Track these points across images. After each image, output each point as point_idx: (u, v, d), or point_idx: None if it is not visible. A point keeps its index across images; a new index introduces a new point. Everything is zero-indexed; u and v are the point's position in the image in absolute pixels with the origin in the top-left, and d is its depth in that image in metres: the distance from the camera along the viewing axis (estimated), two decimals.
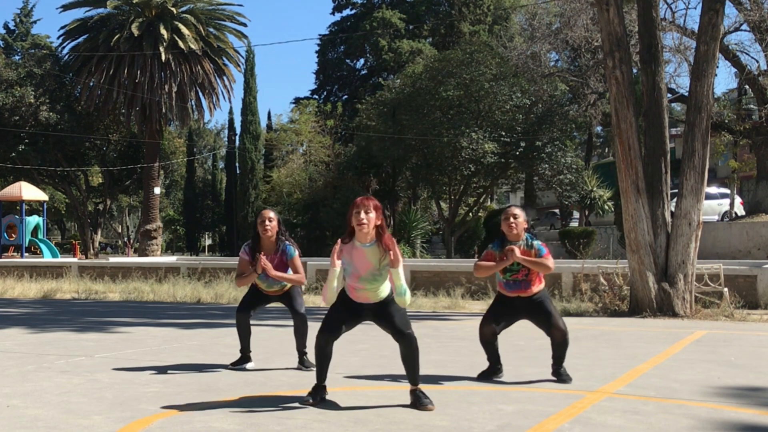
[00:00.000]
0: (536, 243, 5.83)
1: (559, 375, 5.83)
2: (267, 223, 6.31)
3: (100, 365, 6.60)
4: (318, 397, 4.97)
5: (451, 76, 26.83)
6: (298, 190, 34.81)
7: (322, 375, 5.02)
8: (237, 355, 6.72)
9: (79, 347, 7.79)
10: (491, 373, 5.94)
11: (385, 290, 4.95)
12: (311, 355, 6.64)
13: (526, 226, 5.85)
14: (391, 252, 4.78)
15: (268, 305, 7.03)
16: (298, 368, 6.43)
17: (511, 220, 5.81)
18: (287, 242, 6.41)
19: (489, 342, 5.91)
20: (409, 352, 4.87)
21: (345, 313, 5.00)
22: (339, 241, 4.94)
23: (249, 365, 6.53)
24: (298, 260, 6.41)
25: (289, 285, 6.46)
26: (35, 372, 6.25)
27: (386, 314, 4.93)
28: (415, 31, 47.51)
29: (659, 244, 11.04)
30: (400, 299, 4.85)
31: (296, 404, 4.96)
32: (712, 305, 11.41)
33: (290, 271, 6.40)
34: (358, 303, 4.98)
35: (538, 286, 5.84)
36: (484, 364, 6.16)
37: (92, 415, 4.65)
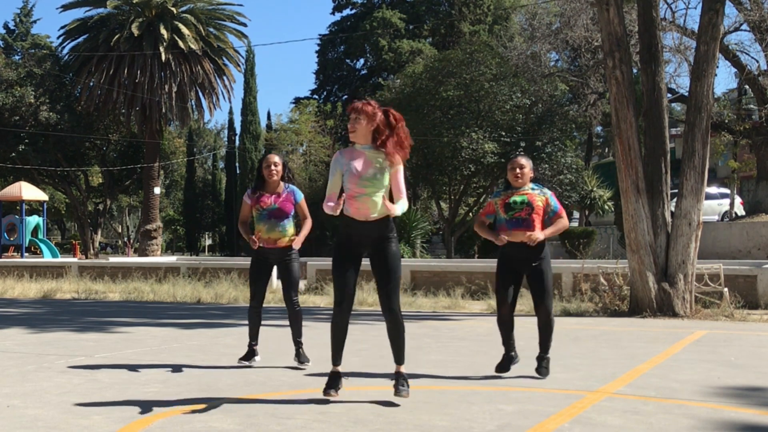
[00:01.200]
0: (547, 193, 5.88)
1: (540, 363, 5.88)
2: (272, 167, 6.33)
3: (100, 365, 6.60)
4: (337, 387, 5.02)
5: (451, 76, 26.83)
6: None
7: (337, 356, 5.06)
8: (237, 355, 6.73)
9: (79, 347, 7.79)
10: (506, 363, 5.96)
11: (381, 206, 4.90)
12: (307, 348, 6.66)
13: (532, 175, 5.90)
14: (388, 149, 4.88)
15: (270, 296, 7.04)
16: (294, 361, 6.44)
17: (517, 170, 5.86)
18: (293, 187, 6.46)
19: (506, 323, 5.93)
20: (394, 328, 4.99)
21: (347, 258, 4.99)
22: (337, 152, 5.11)
23: (257, 359, 6.54)
24: (304, 203, 6.48)
25: (287, 239, 6.42)
26: (35, 372, 6.25)
27: (383, 253, 4.95)
28: (415, 31, 47.53)
29: (659, 244, 11.04)
30: (392, 207, 4.84)
31: (296, 404, 4.96)
32: (712, 305, 11.41)
33: (290, 226, 6.44)
34: (358, 227, 4.91)
35: (539, 224, 5.80)
36: (484, 364, 6.17)
37: (92, 415, 4.65)
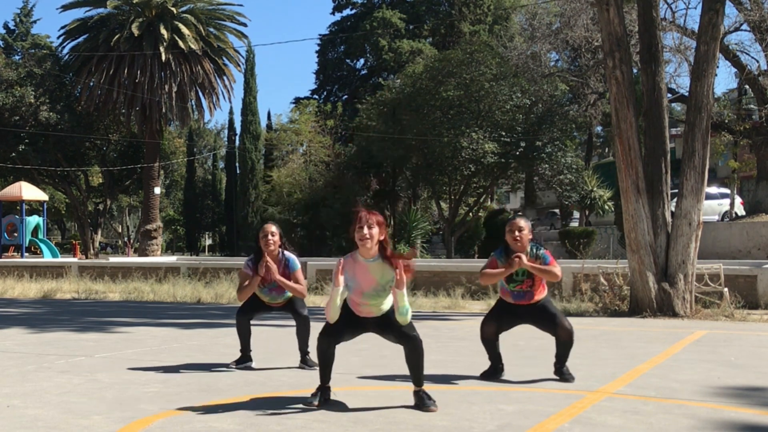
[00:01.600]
0: (541, 252, 5.82)
1: (562, 374, 5.84)
2: (270, 237, 6.34)
3: (100, 365, 6.60)
4: (322, 399, 4.96)
5: (451, 76, 26.82)
6: (298, 190, 34.78)
7: (325, 377, 5.01)
8: (237, 355, 6.71)
9: (79, 347, 7.79)
10: (492, 373, 5.95)
11: (387, 304, 4.95)
12: (313, 355, 6.65)
13: (530, 237, 5.84)
14: (398, 272, 4.74)
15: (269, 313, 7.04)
16: (300, 367, 6.44)
17: (516, 233, 5.78)
18: (290, 254, 6.44)
19: (490, 341, 5.92)
20: (414, 354, 4.85)
21: (347, 324, 4.99)
22: (341, 260, 4.93)
23: (252, 364, 6.55)
24: (301, 273, 6.44)
25: (290, 296, 6.48)
26: (35, 372, 6.24)
27: (390, 324, 4.93)
28: (415, 31, 47.52)
29: (659, 244, 11.04)
30: (402, 318, 4.83)
31: (296, 404, 4.96)
32: (712, 305, 11.41)
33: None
34: (362, 317, 4.98)
35: (542, 294, 5.86)
36: (484, 364, 6.16)
37: (92, 415, 4.65)
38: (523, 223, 5.84)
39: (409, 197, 33.01)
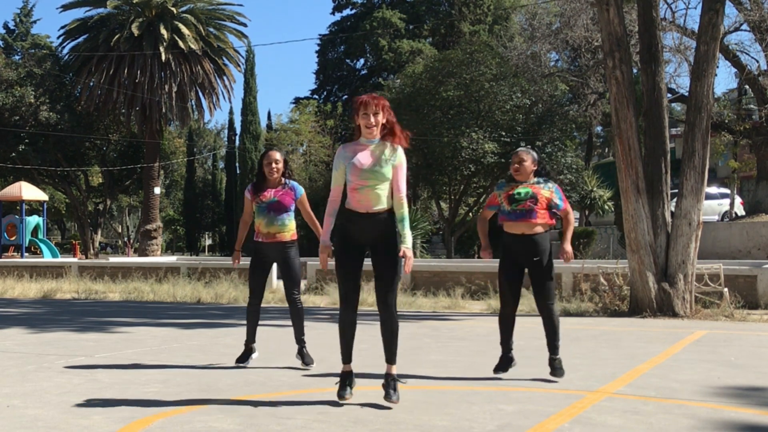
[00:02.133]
0: (552, 187, 5.87)
1: (553, 366, 5.83)
2: (273, 165, 6.32)
3: (100, 365, 6.60)
4: (351, 387, 4.98)
5: (451, 76, 26.82)
6: None
7: (347, 355, 5.02)
8: (237, 355, 6.71)
9: (79, 347, 7.79)
10: (504, 365, 5.94)
11: (384, 200, 4.89)
12: (310, 347, 6.65)
13: (534, 167, 5.87)
14: (401, 147, 4.86)
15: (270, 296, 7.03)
16: (297, 360, 6.41)
17: (516, 164, 5.87)
18: (294, 183, 6.44)
19: (508, 320, 5.93)
20: (389, 324, 4.92)
21: (349, 254, 4.96)
22: (340, 146, 5.04)
23: (255, 355, 6.53)
24: (305, 199, 6.45)
25: (286, 233, 6.39)
26: (35, 372, 6.24)
27: (384, 249, 4.91)
28: (415, 31, 47.52)
29: (659, 244, 11.04)
30: (401, 220, 4.87)
31: (296, 404, 4.96)
32: (712, 305, 11.41)
33: (290, 221, 6.43)
34: (358, 221, 4.90)
35: (543, 218, 5.78)
36: (484, 364, 6.17)
37: (92, 415, 4.65)
38: (525, 155, 5.89)
39: (409, 197, 33.03)
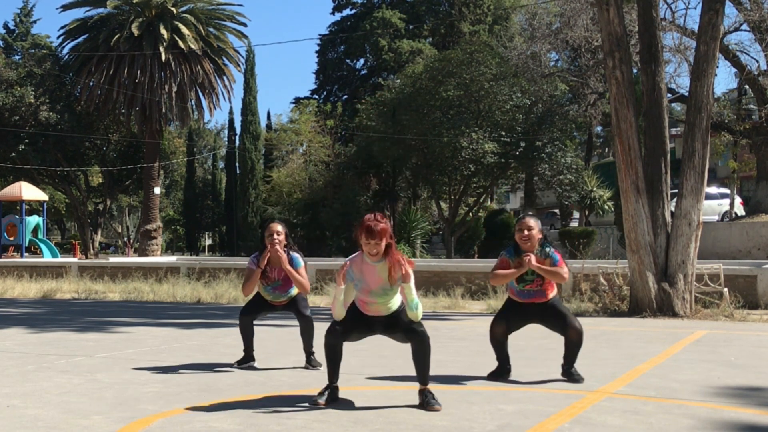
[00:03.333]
0: (550, 251, 5.82)
1: (570, 375, 5.81)
2: (275, 236, 6.36)
3: (100, 365, 6.60)
4: (330, 398, 4.97)
5: (451, 76, 26.82)
6: (298, 190, 34.80)
7: (334, 375, 5.02)
8: (237, 355, 6.72)
9: (79, 347, 7.79)
10: (500, 374, 5.93)
11: (396, 303, 4.98)
12: (318, 355, 6.65)
13: (540, 236, 5.81)
14: (403, 268, 4.81)
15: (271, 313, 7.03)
16: (305, 367, 6.45)
17: (525, 232, 5.77)
18: (294, 252, 6.46)
19: (500, 342, 5.91)
20: (421, 349, 4.88)
21: (355, 322, 5.02)
22: (347, 260, 4.98)
23: (255, 364, 6.55)
24: (304, 270, 6.46)
25: (294, 293, 6.48)
26: (35, 372, 6.24)
27: (398, 322, 4.97)
28: (415, 31, 47.51)
29: (659, 244, 11.04)
30: (412, 313, 4.87)
31: (296, 404, 4.96)
32: (712, 305, 11.41)
33: (294, 290, 6.49)
34: (369, 316, 5.00)
35: (552, 293, 5.86)
36: (484, 364, 6.17)
37: (92, 415, 4.65)
38: (532, 222, 5.82)
39: (409, 197, 33.03)
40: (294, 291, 6.52)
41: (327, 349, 4.98)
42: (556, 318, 5.84)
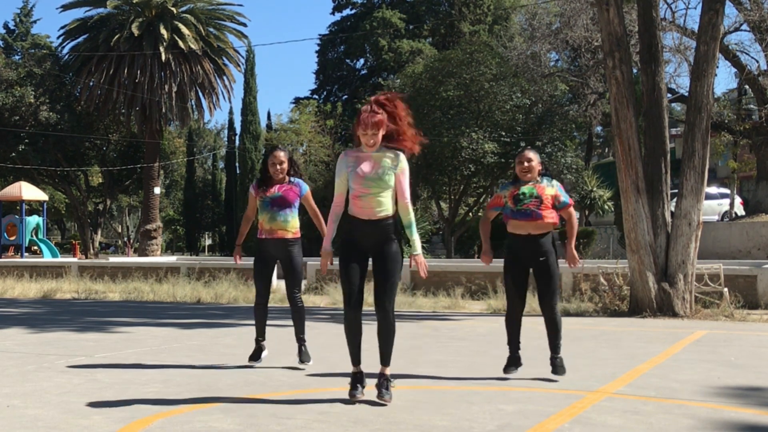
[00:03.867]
0: (556, 184, 5.91)
1: (554, 364, 5.85)
2: (278, 166, 6.33)
3: (100, 365, 6.60)
4: (362, 388, 5.01)
5: (451, 76, 26.81)
6: None
7: (357, 356, 5.06)
8: (237, 355, 6.72)
9: (79, 347, 7.79)
10: (512, 363, 5.95)
11: (388, 207, 4.96)
12: (309, 345, 6.65)
13: (540, 168, 5.91)
14: (402, 155, 4.96)
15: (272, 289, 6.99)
16: (299, 361, 6.41)
17: (525, 164, 5.88)
18: (298, 180, 6.45)
19: (515, 320, 5.93)
20: (385, 327, 4.99)
21: (353, 257, 5.01)
22: (342, 153, 5.07)
23: (264, 354, 6.53)
24: (310, 195, 6.44)
25: (288, 231, 6.37)
26: (35, 372, 6.24)
27: (384, 256, 4.99)
28: (415, 31, 47.52)
29: (659, 244, 11.04)
30: (406, 218, 5.01)
31: (296, 404, 4.96)
32: (712, 305, 11.41)
33: (292, 218, 6.41)
34: (361, 227, 4.96)
35: (550, 218, 5.80)
36: (484, 364, 6.17)
37: (92, 415, 4.65)
38: (531, 154, 5.94)
39: (410, 198, 32.99)
40: (291, 219, 6.38)
41: (346, 326, 5.03)
42: (544, 279, 5.82)
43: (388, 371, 5.03)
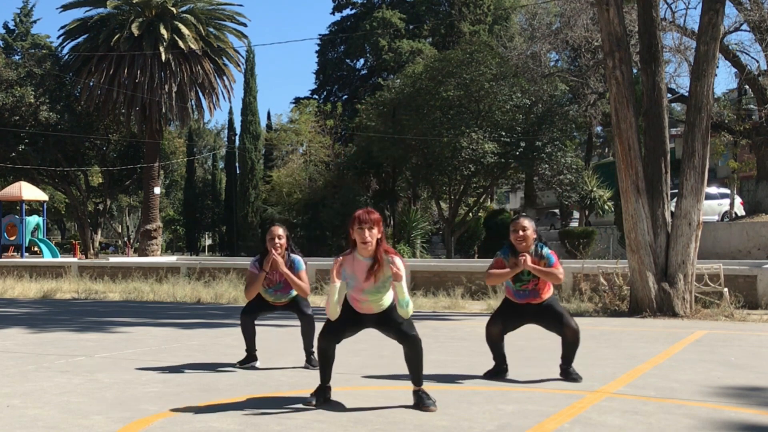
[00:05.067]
0: (546, 252, 5.83)
1: (568, 374, 5.83)
2: (276, 240, 6.38)
3: (100, 365, 6.60)
4: (321, 398, 4.97)
5: (451, 76, 26.81)
6: (298, 190, 34.79)
7: (325, 376, 5.03)
8: (237, 355, 6.72)
9: (79, 347, 7.79)
10: (497, 373, 5.95)
11: (387, 300, 4.97)
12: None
13: (535, 236, 5.83)
14: (394, 267, 4.76)
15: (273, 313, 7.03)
16: (305, 367, 6.45)
17: (520, 233, 5.79)
18: (295, 256, 6.47)
19: (496, 343, 5.93)
20: (414, 353, 4.86)
21: (347, 321, 5.01)
22: (340, 258, 4.94)
23: (257, 364, 6.54)
24: (305, 274, 6.47)
25: (295, 294, 6.49)
26: (35, 372, 6.24)
27: (389, 321, 4.95)
28: (415, 31, 47.51)
29: (659, 244, 11.04)
30: (403, 311, 4.85)
31: (296, 404, 4.96)
32: (712, 305, 11.41)
33: (295, 292, 6.49)
34: (361, 313, 5.00)
35: (548, 294, 5.87)
36: (484, 364, 6.16)
37: (92, 415, 4.65)
38: (526, 222, 5.85)
39: (409, 197, 33.02)
40: (295, 294, 6.53)
41: (319, 352, 4.99)
42: (552, 318, 5.85)
43: (424, 388, 4.93)
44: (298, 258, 6.47)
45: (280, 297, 6.49)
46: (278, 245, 6.36)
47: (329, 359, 4.99)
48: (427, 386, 5.04)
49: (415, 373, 4.88)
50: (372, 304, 4.95)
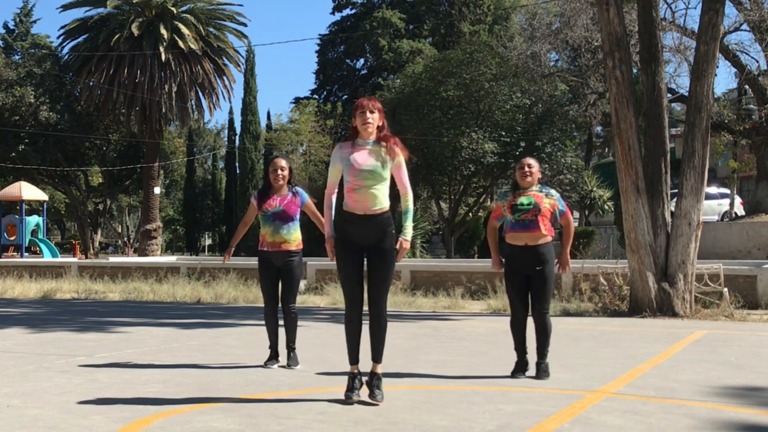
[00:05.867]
0: (554, 193, 5.99)
1: (539, 369, 5.88)
2: (279, 172, 6.38)
3: (100, 365, 6.60)
4: (358, 388, 5.00)
5: (451, 76, 26.81)
6: None
7: (355, 355, 5.06)
8: (237, 355, 6.72)
9: (79, 347, 7.79)
10: (520, 368, 5.98)
11: (384, 201, 4.94)
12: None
13: (539, 176, 6.02)
14: (398, 147, 4.95)
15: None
16: (287, 366, 6.40)
17: (526, 169, 5.99)
18: (299, 189, 6.50)
19: (520, 325, 5.99)
20: (377, 321, 5.00)
21: (350, 254, 5.00)
22: (337, 145, 5.09)
23: (279, 364, 6.49)
24: (311, 203, 6.48)
25: (291, 243, 6.37)
26: (35, 372, 6.25)
27: (380, 251, 4.96)
28: (415, 31, 47.50)
29: (659, 244, 11.04)
30: (405, 203, 5.03)
31: (296, 404, 4.96)
32: (712, 305, 11.41)
33: (295, 230, 6.42)
34: (357, 222, 4.93)
35: (547, 231, 5.85)
36: (484, 364, 6.16)
37: (92, 415, 4.65)
38: (532, 161, 6.06)
39: None
40: (293, 231, 6.40)
41: (347, 325, 5.05)
42: (538, 287, 5.88)
43: (380, 369, 5.04)
44: (301, 190, 6.50)
45: (278, 228, 6.31)
46: (280, 177, 6.36)
47: (358, 332, 5.05)
48: (427, 386, 5.05)
49: (376, 345, 5.03)
50: (367, 193, 4.88)
